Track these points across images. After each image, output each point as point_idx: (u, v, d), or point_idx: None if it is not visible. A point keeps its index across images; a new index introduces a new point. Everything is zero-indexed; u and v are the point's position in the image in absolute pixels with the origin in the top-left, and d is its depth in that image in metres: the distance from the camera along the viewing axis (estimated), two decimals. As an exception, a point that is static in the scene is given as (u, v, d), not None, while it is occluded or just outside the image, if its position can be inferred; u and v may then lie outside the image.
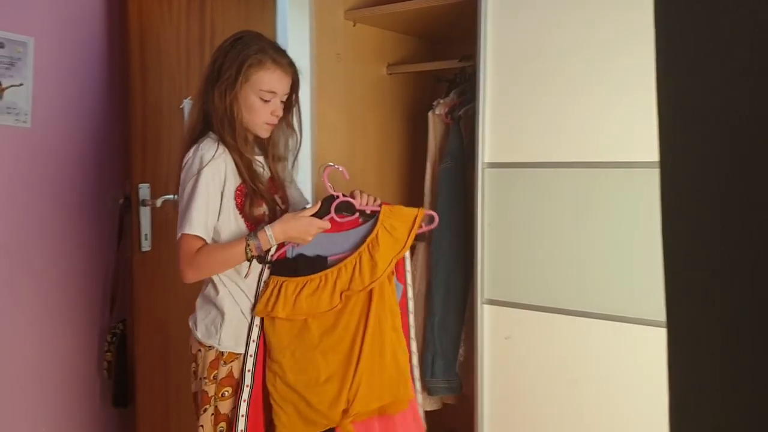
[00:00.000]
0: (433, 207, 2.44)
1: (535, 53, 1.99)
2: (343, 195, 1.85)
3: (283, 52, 1.84)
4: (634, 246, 1.86)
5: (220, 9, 2.72)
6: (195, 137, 1.80)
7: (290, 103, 1.89)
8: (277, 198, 1.89)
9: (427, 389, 2.36)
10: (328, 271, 1.81)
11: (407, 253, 1.92)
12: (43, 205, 2.50)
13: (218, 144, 1.77)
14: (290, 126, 1.92)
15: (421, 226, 1.88)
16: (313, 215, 1.79)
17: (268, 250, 1.78)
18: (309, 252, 1.84)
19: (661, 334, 1.75)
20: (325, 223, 1.79)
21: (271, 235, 1.74)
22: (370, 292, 1.83)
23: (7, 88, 2.38)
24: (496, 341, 2.08)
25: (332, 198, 1.84)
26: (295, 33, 2.96)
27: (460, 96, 2.44)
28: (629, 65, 1.84)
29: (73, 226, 2.59)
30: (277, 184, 1.93)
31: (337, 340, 1.81)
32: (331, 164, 1.89)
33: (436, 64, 2.70)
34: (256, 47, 1.79)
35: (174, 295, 2.58)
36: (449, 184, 2.35)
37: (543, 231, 1.99)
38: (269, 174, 1.91)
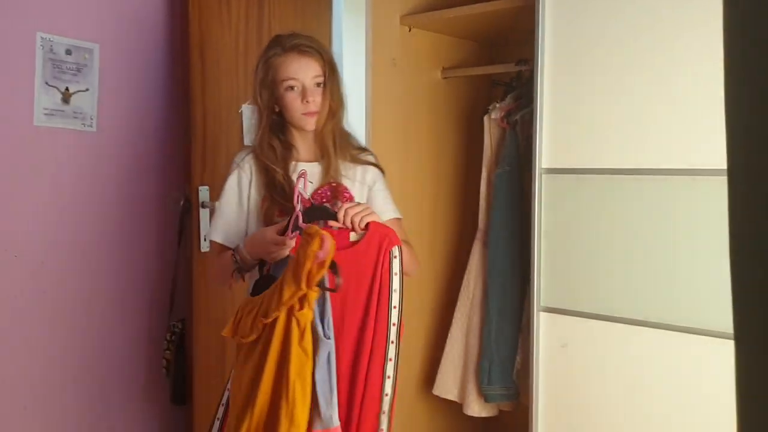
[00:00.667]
0: (489, 212, 2.43)
1: (594, 57, 1.97)
2: (308, 207, 1.60)
3: (299, 36, 1.71)
4: (697, 255, 1.82)
5: (278, 15, 2.77)
6: None
7: (328, 89, 1.70)
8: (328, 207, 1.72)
9: (484, 396, 2.35)
10: (260, 296, 1.56)
11: (396, 289, 1.60)
12: (106, 207, 2.57)
13: (250, 151, 1.77)
14: (334, 116, 1.73)
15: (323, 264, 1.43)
16: (281, 232, 1.57)
17: (263, 263, 1.64)
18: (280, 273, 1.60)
19: (722, 345, 1.71)
20: (282, 240, 1.54)
21: (242, 249, 1.64)
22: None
23: (74, 93, 2.46)
24: (552, 349, 2.05)
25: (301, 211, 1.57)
26: (350, 39, 3.00)
27: (516, 100, 2.42)
28: (695, 69, 1.81)
29: (136, 227, 2.66)
30: (330, 191, 1.75)
31: (260, 372, 1.52)
32: (304, 169, 1.63)
33: (492, 68, 2.69)
34: (272, 44, 1.73)
35: (231, 295, 2.63)
36: (505, 189, 2.33)
37: (602, 238, 1.96)
38: (321, 181, 1.74)
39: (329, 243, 1.42)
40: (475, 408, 2.42)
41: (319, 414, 1.49)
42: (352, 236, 1.63)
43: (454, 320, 2.51)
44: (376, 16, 2.42)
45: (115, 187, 2.59)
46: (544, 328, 2.07)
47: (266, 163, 1.72)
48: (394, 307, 1.60)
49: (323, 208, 1.62)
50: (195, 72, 2.53)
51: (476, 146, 2.58)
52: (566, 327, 2.03)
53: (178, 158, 2.70)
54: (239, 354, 1.60)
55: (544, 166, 2.05)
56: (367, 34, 2.41)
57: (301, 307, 1.46)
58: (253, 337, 1.52)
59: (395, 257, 1.61)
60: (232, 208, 1.75)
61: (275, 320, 1.47)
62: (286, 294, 1.45)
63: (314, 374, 1.50)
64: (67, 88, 2.45)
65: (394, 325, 1.60)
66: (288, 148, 1.75)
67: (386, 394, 1.61)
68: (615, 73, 1.94)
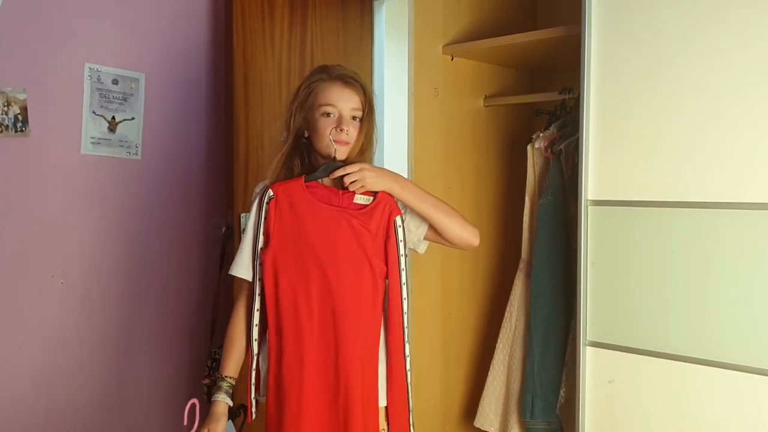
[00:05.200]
0: (532, 243, 2.40)
1: (642, 86, 1.93)
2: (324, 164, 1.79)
3: (345, 68, 1.78)
4: (752, 291, 1.77)
5: (320, 44, 2.78)
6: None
7: (364, 125, 1.75)
8: None
9: (526, 430, 2.31)
10: None
11: (403, 254, 1.80)
12: (150, 233, 2.60)
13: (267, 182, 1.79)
14: (363, 151, 1.78)
15: None
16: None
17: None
18: None
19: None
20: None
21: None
22: None
23: (120, 122, 2.51)
24: (598, 385, 2.01)
25: None
26: (393, 68, 3.00)
27: (560, 129, 2.40)
28: (752, 98, 1.76)
29: (178, 253, 2.68)
30: None
31: None
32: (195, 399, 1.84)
33: (535, 96, 2.67)
34: (318, 70, 1.78)
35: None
36: (549, 219, 2.30)
37: (651, 272, 1.92)
38: None
39: None
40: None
41: None
42: (358, 198, 1.75)
43: (496, 352, 2.48)
44: (419, 45, 2.42)
45: (158, 213, 2.62)
46: (591, 363, 2.03)
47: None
48: (403, 270, 1.75)
49: (336, 165, 1.74)
50: (239, 100, 2.55)
51: (519, 175, 2.55)
52: (613, 363, 1.99)
53: (220, 185, 2.73)
54: None
55: (591, 197, 2.02)
56: (409, 63, 2.42)
57: None
58: None
59: (399, 227, 1.76)
60: (246, 241, 1.77)
61: None
62: None
63: None
64: (113, 117, 2.49)
65: (404, 284, 1.76)
66: (310, 172, 1.76)
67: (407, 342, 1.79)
68: (664, 101, 1.90)
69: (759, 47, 1.75)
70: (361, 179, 1.71)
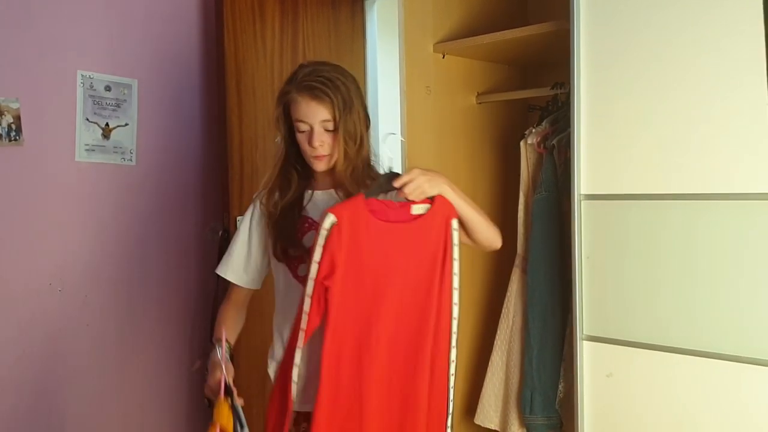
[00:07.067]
0: (527, 238, 2.40)
1: (632, 79, 1.94)
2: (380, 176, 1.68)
3: (316, 72, 1.63)
4: (745, 281, 1.78)
5: (312, 46, 2.79)
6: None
7: (341, 132, 1.63)
8: None
9: (526, 426, 2.32)
10: None
11: (456, 258, 1.68)
12: (147, 239, 2.61)
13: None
14: (349, 157, 1.66)
15: None
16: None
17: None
18: None
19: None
20: (215, 391, 1.64)
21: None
22: None
23: (114, 128, 2.51)
24: (596, 379, 2.02)
25: None
26: (385, 68, 3.01)
27: (553, 124, 2.40)
28: (738, 91, 1.77)
29: (175, 258, 2.69)
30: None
31: None
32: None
33: (526, 92, 2.67)
34: (291, 78, 1.67)
35: (269, 324, 2.63)
36: (544, 214, 2.31)
37: (646, 265, 1.93)
38: None
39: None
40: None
41: None
42: (415, 209, 1.61)
43: (494, 348, 2.49)
44: (410, 44, 2.43)
45: (155, 219, 2.63)
46: (588, 357, 2.03)
47: (272, 196, 1.73)
48: (455, 274, 1.64)
49: (391, 175, 1.62)
50: (231, 102, 2.56)
51: (513, 171, 2.56)
52: (610, 356, 1.99)
53: (216, 189, 2.73)
54: None
55: (583, 192, 2.03)
56: (401, 62, 2.42)
57: None
58: None
59: (455, 230, 1.64)
60: (242, 246, 1.77)
61: None
62: None
63: None
64: (107, 124, 2.49)
65: (455, 289, 1.65)
66: (305, 178, 1.74)
67: (452, 375, 1.67)
68: (654, 95, 1.91)
69: (745, 41, 1.75)
70: (417, 186, 1.58)
